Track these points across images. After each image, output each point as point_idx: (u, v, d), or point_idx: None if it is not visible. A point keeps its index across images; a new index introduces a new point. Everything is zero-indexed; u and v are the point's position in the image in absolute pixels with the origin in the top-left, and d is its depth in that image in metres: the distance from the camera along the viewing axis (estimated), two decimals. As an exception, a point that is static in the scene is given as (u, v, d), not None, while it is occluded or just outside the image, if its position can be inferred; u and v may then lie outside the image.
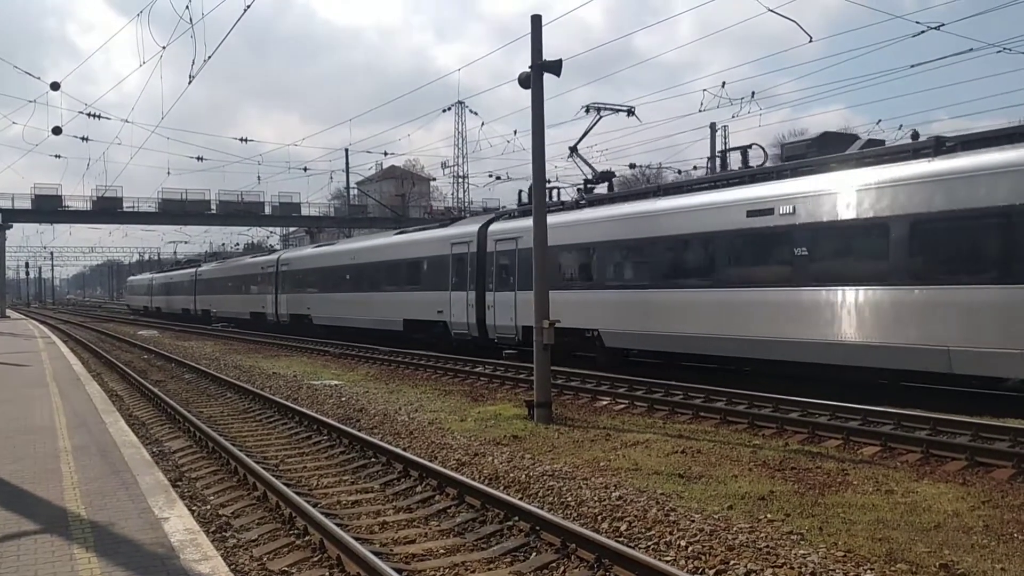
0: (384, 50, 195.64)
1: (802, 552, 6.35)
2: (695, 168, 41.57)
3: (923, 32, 14.76)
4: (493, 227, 23.11)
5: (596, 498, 8.12)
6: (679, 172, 41.68)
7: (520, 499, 8.11)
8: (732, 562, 6.17)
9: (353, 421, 13.47)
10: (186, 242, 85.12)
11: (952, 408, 12.09)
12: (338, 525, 7.16)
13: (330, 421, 12.60)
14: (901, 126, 52.74)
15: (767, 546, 6.50)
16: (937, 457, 9.74)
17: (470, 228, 24.28)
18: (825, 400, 12.59)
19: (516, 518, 7.36)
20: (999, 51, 15.72)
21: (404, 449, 10.65)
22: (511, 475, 9.27)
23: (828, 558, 6.22)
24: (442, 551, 6.86)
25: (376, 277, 29.28)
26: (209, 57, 16.44)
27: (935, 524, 7.18)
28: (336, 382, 19.22)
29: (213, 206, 63.52)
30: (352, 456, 10.72)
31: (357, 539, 6.75)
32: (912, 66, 43.23)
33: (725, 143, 43.35)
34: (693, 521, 7.23)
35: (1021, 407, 12.18)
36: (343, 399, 16.20)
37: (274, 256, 41.36)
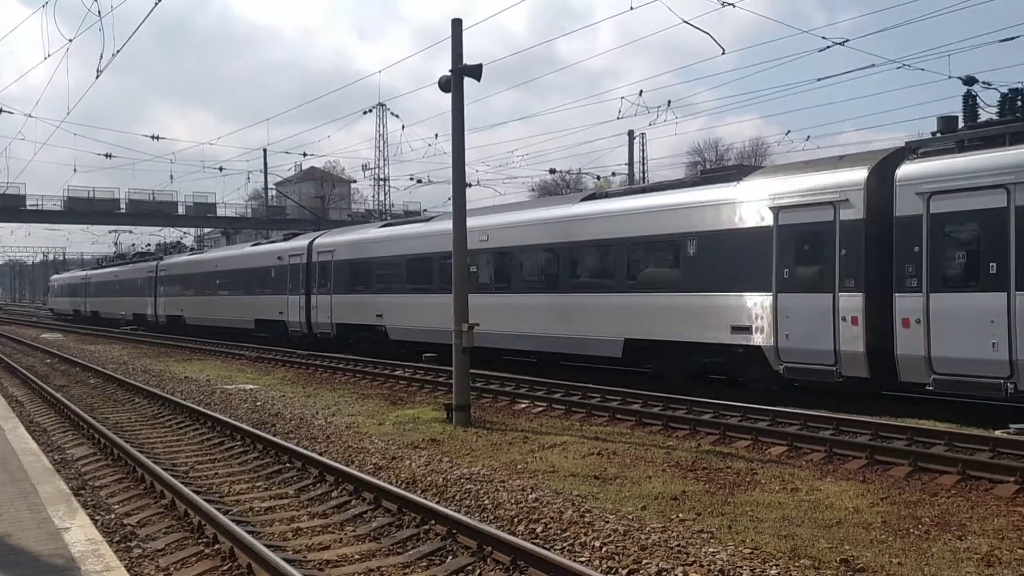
0: (304, 49, 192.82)
1: (712, 550, 6.51)
2: (614, 174, 42.22)
3: (829, 47, 15.45)
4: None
5: (513, 500, 8.16)
6: (599, 178, 42.23)
7: (437, 502, 8.09)
8: (645, 561, 6.29)
9: (268, 426, 13.20)
10: (92, 243, 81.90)
11: (854, 409, 12.59)
12: (249, 532, 7.01)
13: (243, 426, 12.33)
14: (809, 137, 54.61)
15: (679, 545, 6.65)
16: (840, 456, 10.13)
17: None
18: (737, 402, 12.96)
19: (433, 522, 7.34)
20: (899, 67, 16.53)
21: (320, 454, 10.49)
22: (429, 478, 9.24)
23: (736, 555, 6.40)
24: (357, 556, 6.79)
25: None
26: (118, 51, 15.94)
27: (837, 520, 7.46)
28: (251, 386, 18.80)
29: (123, 205, 61.36)
30: (266, 462, 10.50)
31: (269, 546, 6.62)
32: (819, 79, 44.89)
33: (644, 150, 44.15)
34: (608, 522, 7.34)
35: (917, 408, 12.76)
36: (258, 403, 15.86)
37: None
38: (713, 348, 14.87)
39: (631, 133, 40.36)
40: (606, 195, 19.08)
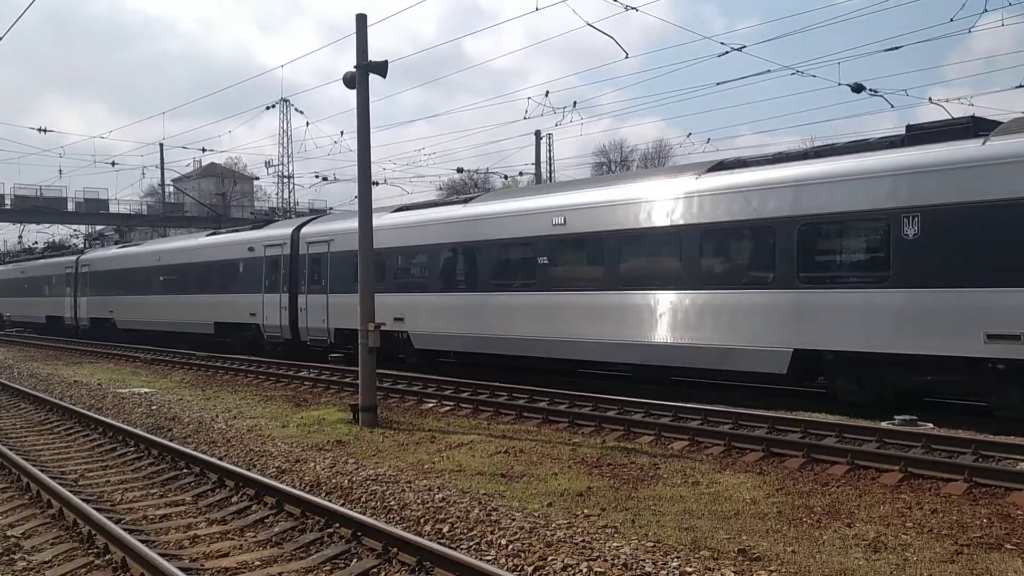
0: (203, 41, 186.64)
1: (615, 544, 6.61)
2: (521, 174, 42.50)
3: (728, 53, 15.83)
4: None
5: (420, 501, 8.10)
6: (505, 177, 42.47)
7: (342, 505, 7.95)
8: (550, 558, 6.33)
9: (164, 430, 12.73)
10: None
11: (753, 403, 13.02)
12: (143, 541, 6.74)
13: (138, 431, 11.86)
14: (709, 140, 56.28)
15: (583, 540, 6.72)
16: (738, 449, 10.44)
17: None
18: (641, 399, 13.21)
19: (337, 524, 7.22)
20: (793, 73, 17.15)
21: (220, 458, 10.18)
22: (334, 481, 9.08)
23: (639, 549, 6.51)
24: (258, 563, 6.61)
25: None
26: None
27: (735, 512, 7.69)
28: (146, 390, 18.09)
29: (7, 201, 58.15)
30: (162, 468, 10.12)
31: (164, 555, 6.38)
32: (718, 84, 46.27)
33: (550, 150, 44.60)
34: (514, 520, 7.36)
35: (811, 401, 13.28)
36: (154, 408, 15.27)
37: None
38: (949, 363, 11.45)
39: (538, 133, 40.71)
40: (743, 164, 14.25)
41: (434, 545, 6.38)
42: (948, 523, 7.24)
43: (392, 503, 8.10)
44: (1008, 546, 6.60)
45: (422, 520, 7.52)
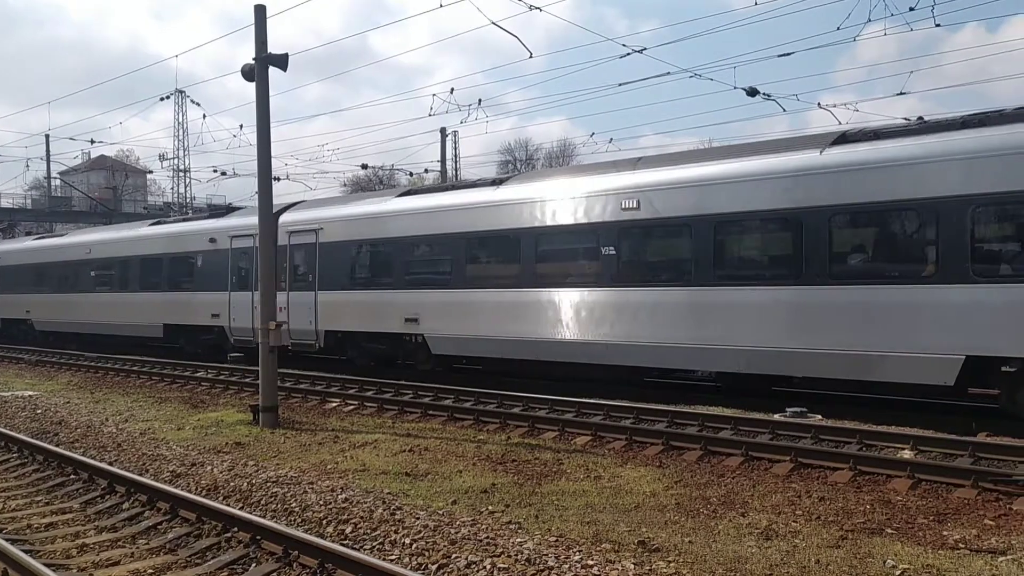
0: (94, 28, 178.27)
1: (519, 540, 6.67)
2: (426, 171, 42.32)
3: (629, 54, 16.15)
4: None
5: (322, 502, 7.97)
6: (411, 175, 42.22)
7: (241, 508, 7.76)
8: (454, 556, 6.34)
9: (50, 435, 12.14)
10: None
11: (653, 398, 13.33)
12: (27, 551, 6.41)
13: (20, 436, 11.26)
14: (612, 140, 57.21)
15: (487, 537, 6.75)
16: (639, 443, 10.68)
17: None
18: (545, 395, 13.35)
19: (235, 529, 7.03)
20: (692, 76, 17.61)
21: (110, 463, 9.79)
22: (232, 484, 8.84)
23: (542, 543, 6.59)
24: (150, 571, 6.38)
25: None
26: None
27: (635, 505, 7.86)
28: (30, 392, 17.20)
29: None
30: (47, 474, 9.65)
31: (49, 565, 6.09)
32: (620, 84, 47.15)
33: (456, 148, 44.53)
34: (418, 518, 7.33)
35: (710, 396, 13.68)
36: (39, 411, 14.53)
37: None
38: None
39: (443, 130, 40.60)
40: (872, 135, 12.16)
41: (336, 546, 6.29)
42: (834, 510, 7.59)
43: (293, 505, 7.95)
44: (888, 530, 6.97)
45: (324, 521, 7.40)
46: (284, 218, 20.24)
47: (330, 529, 7.22)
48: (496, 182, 16.82)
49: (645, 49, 16.16)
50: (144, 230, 25.60)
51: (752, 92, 17.40)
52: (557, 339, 14.70)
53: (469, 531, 6.92)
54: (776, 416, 11.46)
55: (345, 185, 56.04)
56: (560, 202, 14.85)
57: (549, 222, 14.94)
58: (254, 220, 19.98)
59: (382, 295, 17.60)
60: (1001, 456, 8.90)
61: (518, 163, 65.86)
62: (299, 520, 7.52)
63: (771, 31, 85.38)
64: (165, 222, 26.22)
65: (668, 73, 28.10)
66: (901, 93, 29.41)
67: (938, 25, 17.29)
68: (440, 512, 7.59)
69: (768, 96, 17.96)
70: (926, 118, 12.56)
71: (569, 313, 14.59)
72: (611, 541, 6.68)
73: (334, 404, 14.83)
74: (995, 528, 6.98)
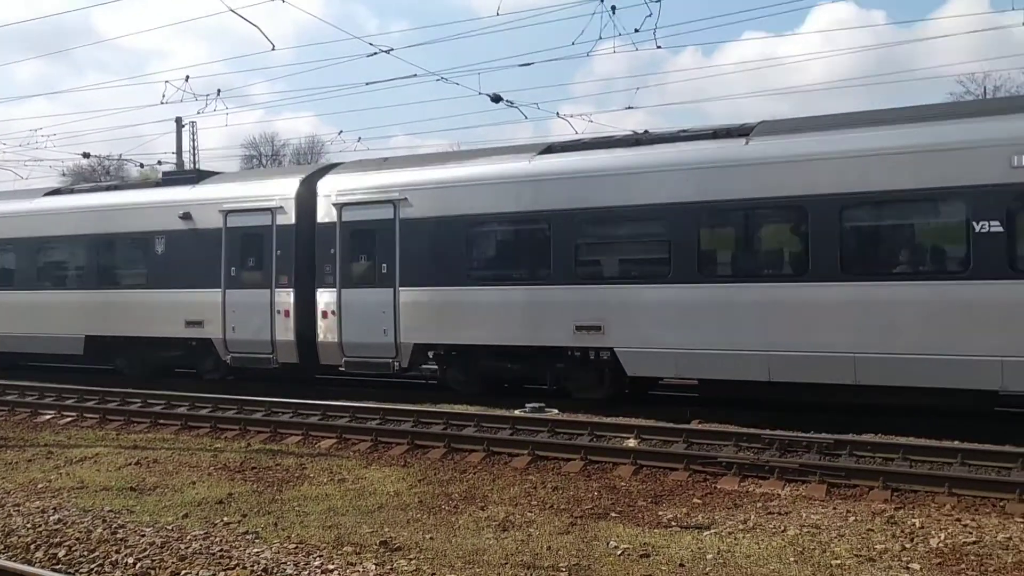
0: None
1: (256, 550, 6.42)
2: (160, 163, 39.46)
3: (376, 54, 16.07)
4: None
5: (30, 524, 7.20)
6: (142, 165, 39.14)
7: (-74, 539, 6.79)
8: (184, 572, 5.98)
9: None
10: None
11: (399, 398, 13.40)
12: None
13: None
14: (360, 139, 56.87)
15: (221, 550, 6.44)
16: (384, 443, 10.68)
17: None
18: (289, 399, 12.95)
19: (-82, 563, 6.14)
20: (439, 79, 17.98)
21: None
22: (-85, 512, 7.71)
23: (281, 552, 6.39)
24: None
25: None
26: None
27: (379, 505, 7.86)
28: None
29: None
30: None
31: None
32: (367, 83, 46.99)
33: (194, 139, 41.91)
34: (144, 535, 6.83)
35: (457, 395, 13.95)
36: None
37: None
38: None
39: (179, 120, 38.03)
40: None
41: (45, 572, 5.70)
42: (566, 498, 8.06)
43: (-6, 531, 7.09)
44: (613, 514, 7.52)
45: (33, 546, 6.69)
46: (325, 185, 14.64)
47: (40, 554, 6.53)
48: (743, 132, 11.86)
49: (393, 49, 16.19)
50: (57, 200, 18.23)
51: (496, 99, 18.05)
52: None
53: (201, 545, 6.56)
54: (517, 412, 11.95)
55: (64, 175, 50.90)
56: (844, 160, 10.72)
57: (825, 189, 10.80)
58: (273, 190, 15.25)
59: (535, 292, 12.73)
60: (709, 441, 9.91)
61: (264, 158, 63.38)
62: (1, 547, 6.72)
63: (514, 40, 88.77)
64: (99, 190, 18.65)
65: (415, 75, 28.35)
66: (629, 107, 31.74)
67: (659, 47, 18.80)
68: (169, 527, 7.12)
69: (511, 103, 18.72)
70: (651, 131, 13.65)
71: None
72: (353, 543, 6.63)
73: (48, 416, 13.40)
74: (702, 506, 7.77)
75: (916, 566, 5.96)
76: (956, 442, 9.27)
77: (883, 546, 6.38)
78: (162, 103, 29.13)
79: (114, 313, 16.54)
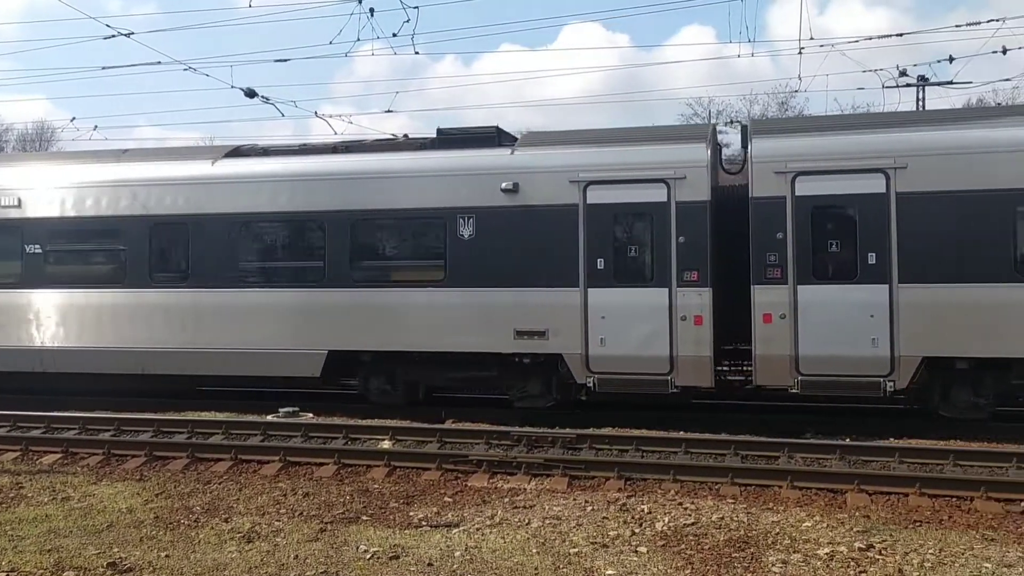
0: None
1: (-44, 583, 5.70)
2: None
3: (114, 36, 14.84)
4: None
5: None
6: None
7: None
8: None
9: None
10: None
11: (135, 407, 12.46)
12: None
13: None
14: (96, 127, 52.52)
15: (-90, 586, 5.65)
16: (119, 456, 9.86)
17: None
18: (5, 411, 11.62)
19: None
20: (186, 69, 16.90)
21: None
22: None
23: (-13, 583, 5.72)
24: None
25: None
26: None
27: (108, 524, 7.25)
28: None
29: None
30: None
31: None
32: (103, 68, 43.39)
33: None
34: None
35: (202, 402, 13.21)
36: None
37: None
38: None
39: None
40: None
41: None
42: (317, 504, 7.90)
43: None
44: (364, 517, 7.47)
45: None
46: (763, 146, 11.22)
47: None
48: None
49: (133, 33, 15.01)
50: (240, 165, 13.29)
51: (251, 93, 17.25)
52: None
53: None
54: (269, 417, 11.55)
55: None
56: None
57: None
58: (654, 154, 11.54)
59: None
60: (463, 440, 10.13)
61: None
62: None
63: (269, 35, 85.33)
64: (352, 150, 13.28)
65: (159, 63, 26.42)
66: (389, 111, 31.63)
67: (417, 52, 18.95)
68: None
69: (267, 99, 17.99)
70: (411, 135, 13.69)
71: None
72: (76, 568, 6.08)
73: None
74: (452, 504, 7.93)
75: (643, 549, 6.46)
76: (682, 433, 10.15)
77: (616, 532, 6.86)
78: None
79: (382, 320, 12.16)
